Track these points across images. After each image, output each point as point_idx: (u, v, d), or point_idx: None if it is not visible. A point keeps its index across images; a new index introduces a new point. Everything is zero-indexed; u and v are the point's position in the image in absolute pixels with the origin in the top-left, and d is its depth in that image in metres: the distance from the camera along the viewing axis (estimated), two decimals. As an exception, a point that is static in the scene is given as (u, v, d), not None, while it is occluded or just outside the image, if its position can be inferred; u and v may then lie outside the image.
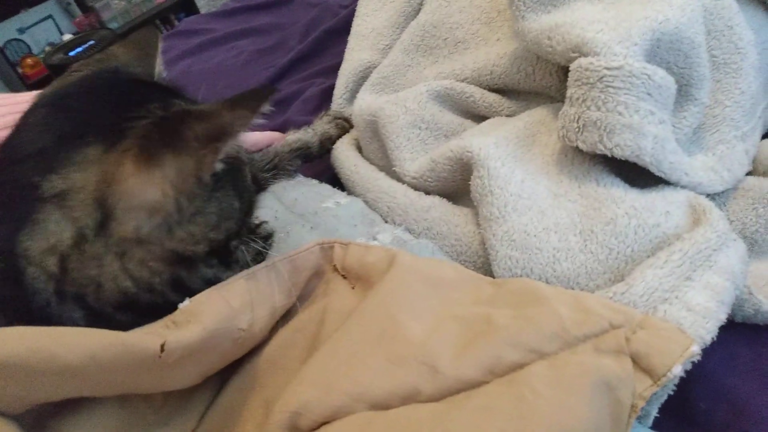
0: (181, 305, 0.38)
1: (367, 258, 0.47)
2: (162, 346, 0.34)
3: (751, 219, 0.54)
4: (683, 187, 0.52)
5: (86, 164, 0.38)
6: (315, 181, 0.73)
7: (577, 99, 0.50)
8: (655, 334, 0.37)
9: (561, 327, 0.36)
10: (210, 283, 0.42)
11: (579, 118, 0.50)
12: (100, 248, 0.38)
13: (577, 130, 0.50)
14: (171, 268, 0.40)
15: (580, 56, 0.52)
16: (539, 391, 0.32)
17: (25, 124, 0.42)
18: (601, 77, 0.48)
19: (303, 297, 0.48)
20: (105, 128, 0.39)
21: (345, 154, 0.75)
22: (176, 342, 0.35)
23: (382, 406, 0.34)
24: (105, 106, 0.42)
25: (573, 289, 0.47)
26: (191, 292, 0.40)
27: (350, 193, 0.69)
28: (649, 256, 0.47)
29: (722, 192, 0.56)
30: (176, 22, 3.36)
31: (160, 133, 0.39)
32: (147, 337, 0.35)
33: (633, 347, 0.36)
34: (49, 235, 0.37)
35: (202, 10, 3.48)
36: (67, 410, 0.36)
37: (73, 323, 0.38)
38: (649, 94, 0.49)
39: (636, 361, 0.35)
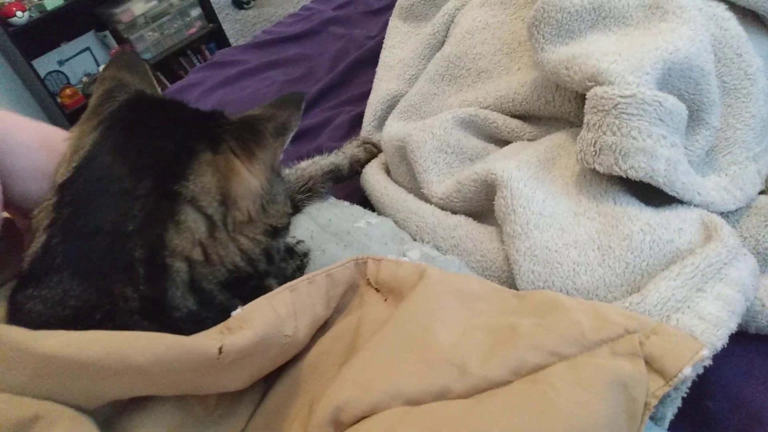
0: (234, 313, 0.42)
1: (399, 273, 0.51)
2: (220, 349, 0.38)
3: (763, 236, 0.57)
4: (696, 205, 0.55)
5: (205, 167, 0.46)
6: (347, 203, 0.77)
7: (594, 125, 0.54)
8: (668, 339, 0.40)
9: (580, 332, 0.40)
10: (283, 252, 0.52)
11: (596, 142, 0.54)
12: (225, 234, 0.46)
13: (594, 153, 0.54)
14: (267, 238, 0.50)
15: (595, 85, 0.56)
16: (560, 389, 0.36)
17: (109, 148, 0.46)
18: (616, 104, 0.52)
19: (339, 309, 0.52)
20: (203, 137, 0.47)
21: (375, 177, 0.79)
22: (232, 345, 0.39)
23: (415, 402, 0.38)
24: (181, 122, 0.50)
25: (592, 300, 0.50)
26: (278, 251, 0.52)
27: (380, 213, 0.74)
28: (663, 269, 0.50)
29: (735, 210, 0.59)
30: (207, 52, 3.49)
31: (249, 134, 0.48)
32: (206, 340, 0.39)
33: (646, 350, 0.39)
34: (193, 231, 0.44)
35: (231, 41, 3.60)
36: (132, 408, 0.40)
37: (186, 312, 0.44)
38: (660, 119, 0.52)
39: (649, 363, 0.38)
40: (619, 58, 0.55)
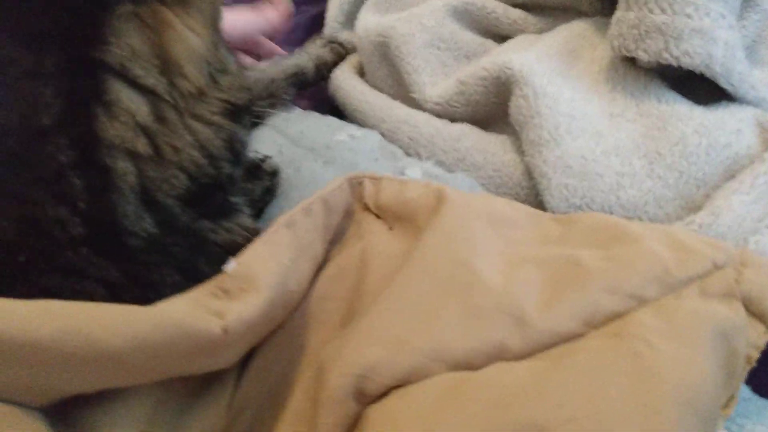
0: (228, 268, 0.31)
1: (407, 194, 0.41)
2: (225, 329, 0.28)
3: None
4: (747, 102, 0.47)
5: (127, 24, 0.33)
6: (317, 114, 0.65)
7: (637, 1, 0.44)
8: (762, 273, 0.32)
9: (663, 268, 0.31)
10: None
11: (640, 22, 0.43)
12: (175, 115, 0.35)
13: (637, 36, 0.44)
14: (227, 121, 0.38)
15: (636, -47, 0.45)
16: (656, 346, 0.27)
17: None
18: (668, -26, 0.42)
19: (333, 240, 0.41)
20: None
21: (349, 83, 0.66)
22: (238, 321, 0.28)
23: (463, 365, 0.29)
24: None
25: (641, 218, 0.42)
26: (242, 147, 0.40)
27: (360, 125, 0.62)
28: (722, 180, 0.42)
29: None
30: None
31: None
32: (204, 317, 0.28)
33: (742, 289, 0.31)
34: (132, 113, 0.33)
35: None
36: (93, 399, 0.29)
37: (145, 238, 0.33)
38: (719, -7, 0.43)
39: (747, 306, 0.30)
40: None
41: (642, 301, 0.30)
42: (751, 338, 0.30)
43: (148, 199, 0.34)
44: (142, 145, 0.33)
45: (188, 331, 0.28)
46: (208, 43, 0.38)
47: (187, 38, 0.36)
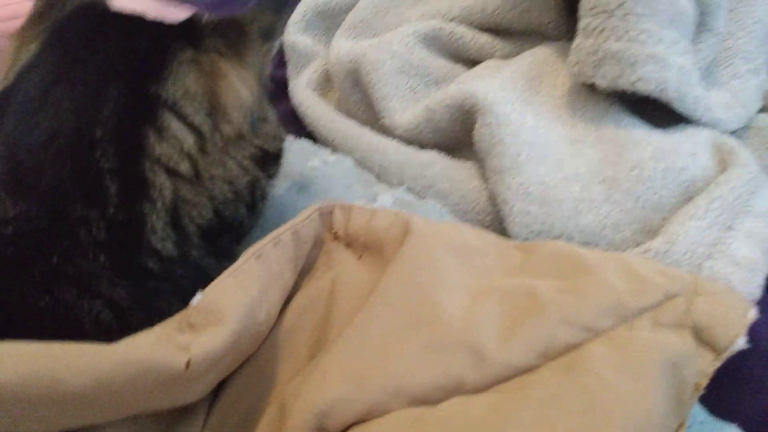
0: (193, 301, 0.32)
1: (375, 223, 0.42)
2: (188, 363, 0.28)
3: (766, 158, 0.50)
4: (704, 125, 0.48)
5: (186, 67, 0.38)
6: (290, 137, 0.66)
7: (594, 29, 0.45)
8: (713, 301, 0.33)
9: (617, 300, 0.32)
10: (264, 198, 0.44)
11: (597, 50, 0.45)
12: (216, 150, 0.39)
13: (594, 64, 0.45)
14: (255, 167, 0.42)
15: (592, -17, 0.46)
16: (605, 378, 0.28)
17: (78, 45, 0.38)
18: (621, 3, 0.44)
19: (303, 270, 0.42)
20: (181, 36, 0.39)
21: (317, 109, 0.67)
22: (203, 354, 0.29)
23: (422, 400, 0.29)
24: (149, 23, 0.41)
25: (598, 243, 0.43)
26: (262, 197, 0.43)
27: (333, 151, 0.63)
28: (678, 203, 0.43)
29: (735, 131, 0.53)
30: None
31: (235, 33, 0.41)
32: (169, 352, 0.29)
33: (693, 318, 0.32)
34: (180, 140, 0.37)
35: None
36: None
37: (163, 263, 0.36)
38: (672, 21, 0.44)
39: (697, 334, 0.31)
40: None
41: (596, 333, 0.31)
42: (700, 366, 0.30)
43: (176, 220, 0.36)
44: (185, 167, 0.37)
45: (151, 367, 0.28)
46: (255, 95, 0.41)
47: (237, 89, 0.39)
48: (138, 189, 0.35)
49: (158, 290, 0.36)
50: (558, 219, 0.44)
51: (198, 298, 0.33)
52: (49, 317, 0.31)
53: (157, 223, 0.35)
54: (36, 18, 0.41)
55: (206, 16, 0.42)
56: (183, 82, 0.38)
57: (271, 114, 0.45)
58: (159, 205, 0.35)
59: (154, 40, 0.39)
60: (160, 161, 0.36)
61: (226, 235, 0.42)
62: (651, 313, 0.32)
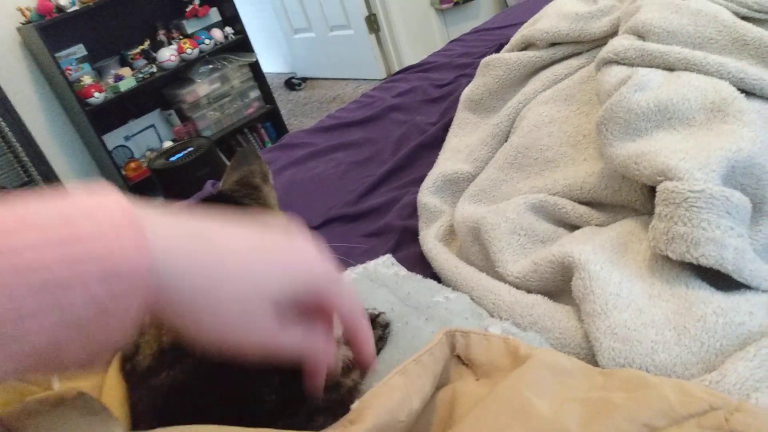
0: (353, 405, 0.47)
1: (491, 352, 0.56)
2: None
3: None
4: (763, 291, 0.60)
5: None
6: (420, 276, 0.83)
7: (665, 216, 0.60)
8: (751, 416, 0.43)
9: (669, 406, 0.44)
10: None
11: (668, 231, 0.59)
12: None
13: (666, 241, 0.59)
14: None
15: (665, 180, 0.62)
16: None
17: None
18: (686, 198, 0.58)
19: (439, 385, 0.57)
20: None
21: (443, 256, 0.85)
22: None
23: None
24: None
25: (670, 377, 0.54)
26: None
27: (454, 290, 0.79)
28: (736, 349, 0.54)
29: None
30: (262, 131, 3.69)
31: (250, 189, 0.62)
32: None
33: (732, 426, 0.43)
34: None
35: (285, 119, 3.81)
36: None
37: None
38: (728, 212, 0.58)
39: None
40: (687, 156, 0.62)
41: (653, 429, 0.43)
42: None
43: None
44: None
45: None
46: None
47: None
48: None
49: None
50: (638, 355, 0.56)
51: (355, 404, 0.48)
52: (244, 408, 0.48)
53: None
54: None
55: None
56: None
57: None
58: None
59: None
60: None
61: None
62: (696, 419, 0.43)
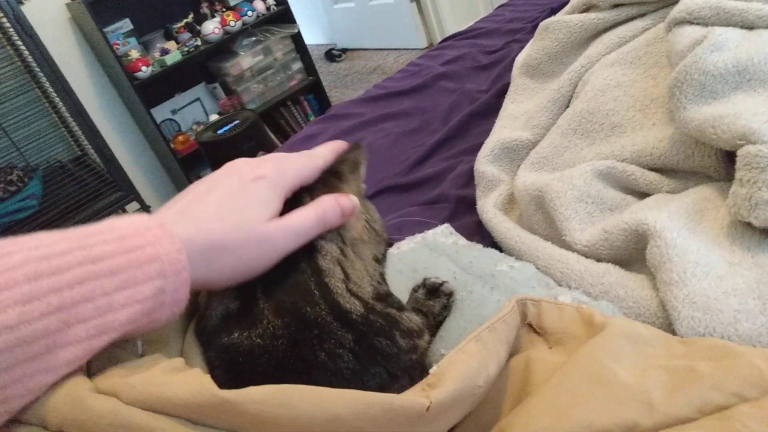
0: (431, 370, 0.47)
1: (564, 321, 0.55)
2: (428, 407, 0.43)
3: None
4: None
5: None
6: (480, 246, 0.82)
7: (748, 181, 0.57)
8: None
9: (760, 376, 0.43)
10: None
11: (751, 197, 0.57)
12: (351, 252, 0.57)
13: (749, 207, 0.57)
14: (378, 265, 0.61)
15: (746, 143, 0.59)
16: (750, 426, 0.39)
17: None
18: (770, 162, 0.56)
19: (512, 352, 0.56)
20: (306, 191, 0.58)
21: (504, 225, 0.84)
22: (437, 402, 0.43)
23: None
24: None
25: (754, 347, 0.53)
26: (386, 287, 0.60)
27: (517, 258, 0.78)
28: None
29: None
30: (305, 103, 3.70)
31: (332, 176, 0.60)
32: (417, 399, 0.43)
33: None
34: (332, 254, 0.55)
35: (327, 91, 3.81)
36: None
37: (360, 315, 0.52)
38: (816, 173, 0.55)
39: None
40: (770, 119, 0.59)
41: (744, 399, 0.42)
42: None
43: (354, 295, 0.53)
44: (338, 272, 0.54)
45: (406, 407, 0.43)
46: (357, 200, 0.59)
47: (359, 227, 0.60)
48: (328, 290, 0.52)
49: (366, 332, 0.51)
50: (719, 324, 0.54)
51: (434, 368, 0.48)
52: (323, 370, 0.48)
53: (346, 303, 0.52)
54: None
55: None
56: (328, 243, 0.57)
57: (378, 216, 0.66)
58: (341, 292, 0.53)
59: (295, 199, 0.56)
60: (328, 272, 0.53)
61: (390, 297, 0.58)
62: (791, 390, 0.42)
